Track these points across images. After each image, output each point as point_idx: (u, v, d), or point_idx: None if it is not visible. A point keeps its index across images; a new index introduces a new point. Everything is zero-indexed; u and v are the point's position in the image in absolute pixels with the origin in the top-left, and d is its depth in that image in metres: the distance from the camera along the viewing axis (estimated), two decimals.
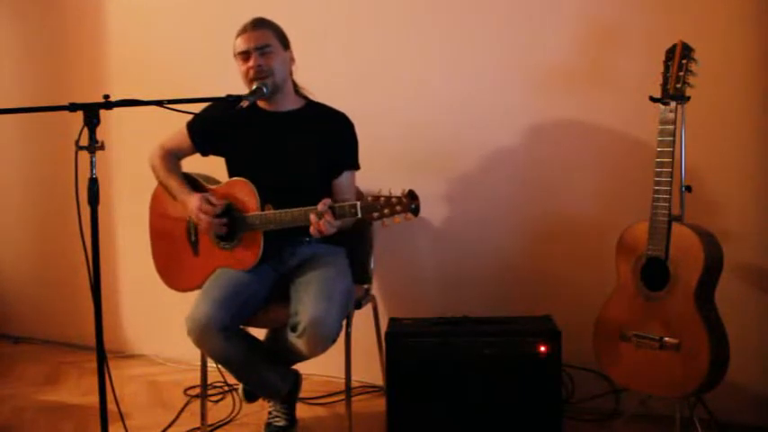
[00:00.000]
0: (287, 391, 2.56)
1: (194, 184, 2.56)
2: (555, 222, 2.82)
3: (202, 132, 2.58)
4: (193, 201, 2.43)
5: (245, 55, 2.42)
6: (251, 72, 2.40)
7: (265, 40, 2.42)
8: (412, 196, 2.07)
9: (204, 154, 2.63)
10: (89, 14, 3.56)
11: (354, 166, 2.55)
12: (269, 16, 2.48)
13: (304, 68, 2.55)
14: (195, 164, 2.66)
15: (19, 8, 3.77)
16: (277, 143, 2.49)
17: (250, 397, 2.70)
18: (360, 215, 2.11)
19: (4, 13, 3.81)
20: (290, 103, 2.54)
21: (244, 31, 2.43)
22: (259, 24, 2.44)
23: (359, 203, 2.11)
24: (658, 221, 2.23)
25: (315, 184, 2.44)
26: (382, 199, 2.08)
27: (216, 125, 2.55)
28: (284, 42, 2.49)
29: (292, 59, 2.52)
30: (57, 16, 3.66)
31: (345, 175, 2.52)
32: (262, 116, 2.51)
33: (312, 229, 2.20)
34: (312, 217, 2.19)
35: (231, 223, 2.43)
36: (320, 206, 2.17)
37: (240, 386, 2.66)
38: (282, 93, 2.48)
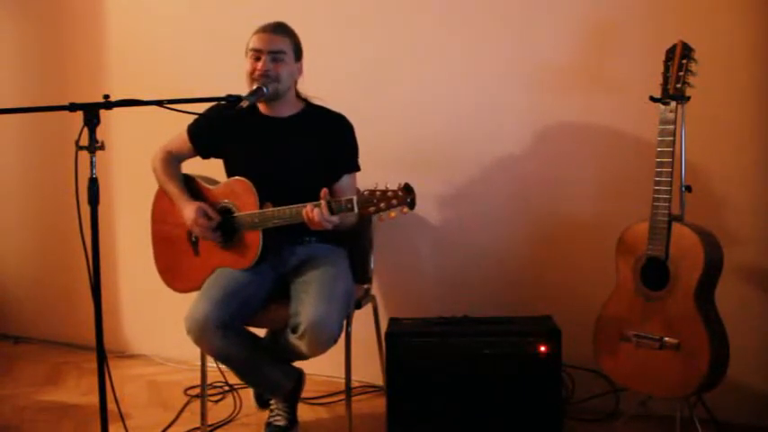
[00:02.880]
0: (290, 389, 2.56)
1: (194, 185, 2.57)
2: (555, 222, 2.82)
3: (203, 136, 2.59)
4: (190, 211, 2.45)
5: (256, 53, 2.40)
6: (257, 73, 2.39)
7: (281, 46, 2.41)
8: (408, 189, 2.08)
9: (204, 157, 2.64)
10: (89, 14, 3.55)
11: (354, 167, 2.55)
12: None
13: (305, 68, 2.55)
14: (196, 165, 2.66)
15: (19, 8, 3.76)
16: (277, 148, 2.49)
17: (262, 404, 2.71)
18: (356, 209, 2.12)
19: (3, 13, 3.81)
20: (289, 109, 2.53)
21: (264, 30, 2.42)
22: (280, 30, 2.44)
23: (355, 198, 2.13)
24: (658, 221, 2.23)
25: (315, 188, 2.44)
26: (378, 193, 2.09)
27: (216, 129, 2.55)
28: (298, 54, 2.48)
29: (300, 71, 2.52)
30: (57, 16, 3.65)
31: (345, 178, 2.51)
32: (261, 121, 2.51)
33: (307, 220, 2.22)
34: (308, 207, 2.21)
35: (231, 223, 2.43)
36: (321, 200, 2.19)
37: (252, 392, 2.65)
38: (283, 100, 2.48)
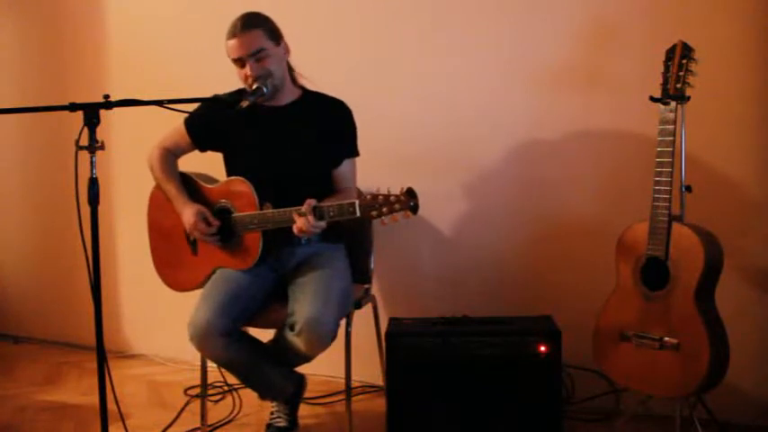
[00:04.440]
0: (291, 392, 2.56)
1: (192, 184, 2.56)
2: (555, 222, 2.82)
3: (200, 128, 2.56)
4: (189, 215, 2.43)
5: (239, 62, 2.38)
6: (249, 80, 2.37)
7: (257, 44, 2.35)
8: (411, 194, 2.07)
9: (203, 150, 2.61)
10: (89, 14, 3.55)
11: (354, 153, 2.54)
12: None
13: (304, 67, 2.55)
14: (194, 163, 2.65)
15: (19, 8, 3.77)
16: (276, 137, 2.48)
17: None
18: (358, 214, 2.11)
19: (4, 12, 3.81)
20: (287, 97, 2.51)
21: (233, 35, 2.36)
22: (247, 26, 2.36)
23: (357, 202, 2.11)
24: (658, 221, 2.23)
25: (315, 175, 2.44)
26: (381, 197, 2.08)
27: (214, 120, 2.52)
28: (276, 38, 2.41)
29: (287, 50, 2.47)
30: (56, 16, 3.65)
31: (346, 164, 2.51)
32: (260, 110, 2.47)
33: (295, 229, 2.21)
34: (294, 217, 2.21)
35: (230, 223, 2.43)
36: (305, 206, 2.18)
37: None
38: (282, 90, 2.46)
